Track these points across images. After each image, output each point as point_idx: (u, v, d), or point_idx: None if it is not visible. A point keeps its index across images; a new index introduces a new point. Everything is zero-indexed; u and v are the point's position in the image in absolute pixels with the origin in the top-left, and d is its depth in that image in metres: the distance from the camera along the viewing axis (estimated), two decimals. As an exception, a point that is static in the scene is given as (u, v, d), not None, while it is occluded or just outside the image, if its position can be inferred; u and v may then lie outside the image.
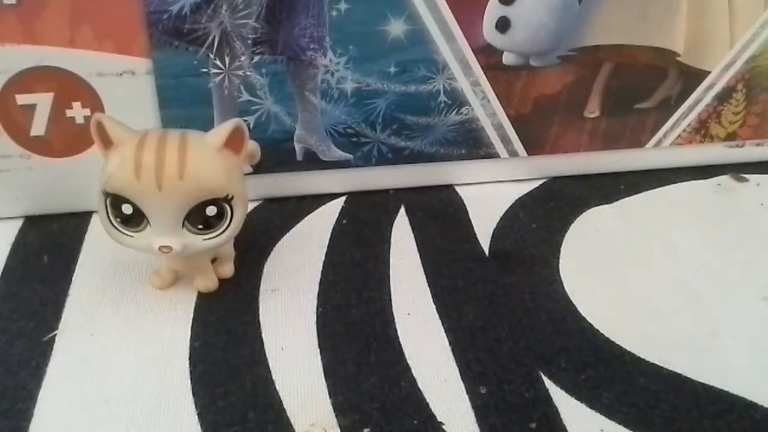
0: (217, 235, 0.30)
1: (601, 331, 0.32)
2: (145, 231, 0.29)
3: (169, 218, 0.29)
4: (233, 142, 0.29)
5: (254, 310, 0.33)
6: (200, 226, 0.29)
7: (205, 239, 0.29)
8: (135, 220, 0.29)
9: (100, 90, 0.35)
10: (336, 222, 0.38)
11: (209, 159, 0.28)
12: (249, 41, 0.35)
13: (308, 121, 0.37)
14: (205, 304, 0.33)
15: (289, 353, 0.30)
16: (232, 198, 0.29)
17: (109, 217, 0.29)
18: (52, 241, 0.36)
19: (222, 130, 0.29)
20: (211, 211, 0.29)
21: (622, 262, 0.36)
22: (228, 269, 0.34)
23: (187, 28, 0.34)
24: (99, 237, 0.35)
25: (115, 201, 0.28)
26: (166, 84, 0.35)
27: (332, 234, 0.38)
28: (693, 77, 0.40)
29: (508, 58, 0.37)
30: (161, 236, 0.29)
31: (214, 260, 0.34)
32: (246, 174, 0.31)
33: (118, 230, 0.29)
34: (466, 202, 0.40)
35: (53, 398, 0.28)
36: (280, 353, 0.30)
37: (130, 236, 0.29)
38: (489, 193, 0.41)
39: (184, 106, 0.35)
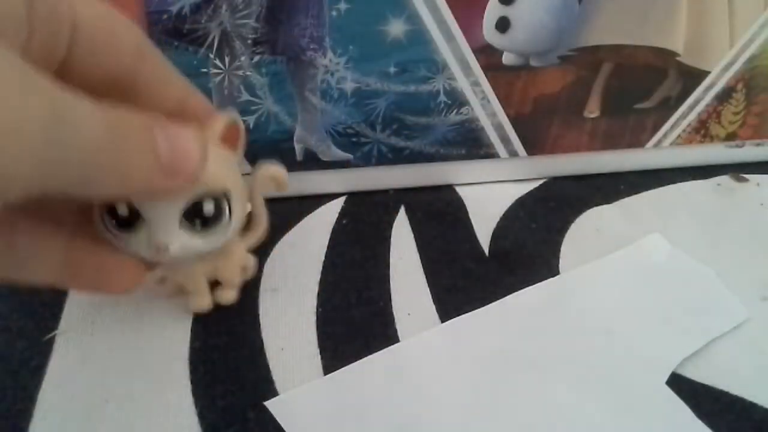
0: (215, 237, 0.29)
1: (601, 331, 0.32)
2: (141, 233, 0.27)
3: (166, 216, 0.27)
4: (229, 138, 0.28)
5: (254, 310, 0.33)
6: (198, 227, 0.28)
7: (202, 240, 0.28)
8: (130, 223, 0.27)
9: (100, 90, 0.35)
10: (336, 222, 0.38)
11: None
12: (249, 41, 0.34)
13: (308, 121, 0.37)
14: (205, 304, 0.33)
15: (289, 353, 0.30)
16: (230, 196, 0.28)
17: (104, 221, 0.28)
18: (52, 241, 0.36)
19: (216, 124, 0.28)
20: (208, 209, 0.27)
21: (622, 262, 0.36)
22: (230, 295, 0.32)
23: (187, 28, 0.34)
24: (99, 237, 0.35)
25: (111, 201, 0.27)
26: (166, 84, 0.35)
27: (332, 234, 0.38)
28: (693, 77, 0.40)
29: (508, 58, 0.37)
30: (158, 235, 0.27)
31: (218, 284, 0.32)
32: (244, 174, 0.30)
33: (113, 234, 0.28)
34: (466, 202, 0.40)
35: (53, 398, 0.28)
36: (280, 353, 0.30)
37: (125, 241, 0.28)
38: (489, 193, 0.41)
39: (184, 106, 0.35)
